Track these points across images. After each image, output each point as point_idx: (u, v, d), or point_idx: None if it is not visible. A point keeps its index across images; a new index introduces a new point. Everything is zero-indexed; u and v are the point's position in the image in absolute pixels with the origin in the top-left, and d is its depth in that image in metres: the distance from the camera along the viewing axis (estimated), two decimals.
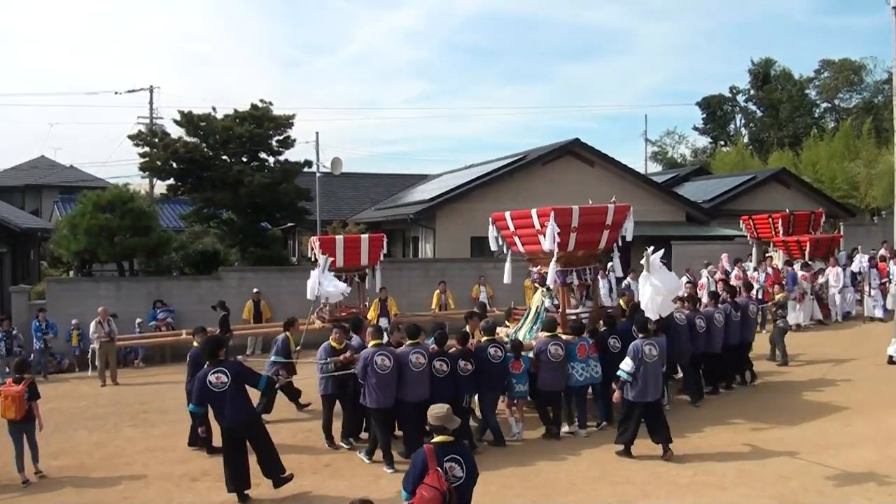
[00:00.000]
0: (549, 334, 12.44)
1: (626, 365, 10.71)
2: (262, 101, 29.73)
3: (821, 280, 22.05)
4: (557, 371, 12.14)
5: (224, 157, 29.22)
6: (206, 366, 9.84)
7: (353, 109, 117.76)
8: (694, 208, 31.45)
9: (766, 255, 24.63)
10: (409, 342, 11.33)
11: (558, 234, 13.08)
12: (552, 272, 13.24)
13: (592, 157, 29.77)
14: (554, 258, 13.24)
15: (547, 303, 14.01)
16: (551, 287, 13.76)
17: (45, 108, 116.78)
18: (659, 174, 46.24)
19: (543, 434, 12.23)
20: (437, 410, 6.41)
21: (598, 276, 17.00)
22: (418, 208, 28.21)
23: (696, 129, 69.47)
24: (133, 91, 42.86)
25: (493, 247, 15.20)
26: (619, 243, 14.42)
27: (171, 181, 30.39)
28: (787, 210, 25.23)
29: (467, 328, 12.91)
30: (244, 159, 29.39)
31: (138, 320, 21.16)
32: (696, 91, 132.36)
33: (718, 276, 22.52)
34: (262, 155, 29.94)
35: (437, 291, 21.82)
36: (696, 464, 10.36)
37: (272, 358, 13.41)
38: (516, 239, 14.56)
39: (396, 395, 10.87)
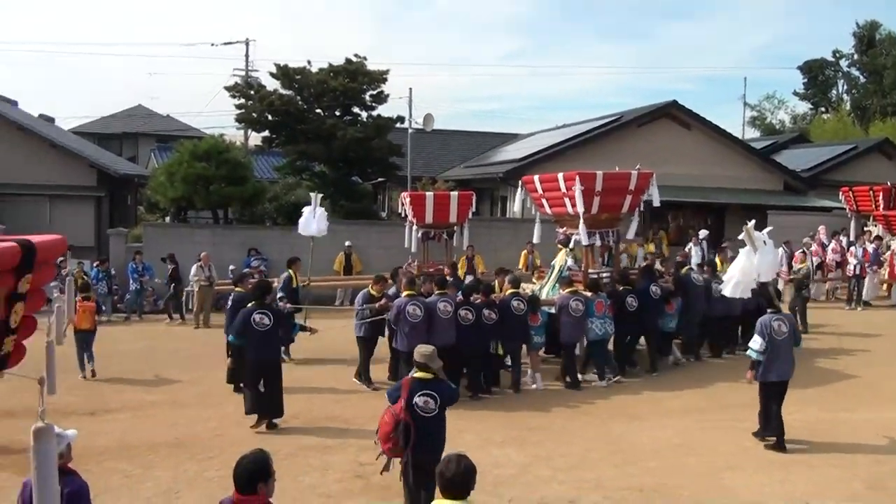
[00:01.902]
0: (570, 290, 13.32)
1: (755, 343, 9.93)
2: (356, 55, 29.84)
3: None
4: (577, 324, 13.10)
5: (318, 111, 29.51)
6: (251, 305, 10.93)
7: (446, 65, 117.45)
8: (792, 177, 30.44)
9: (865, 228, 23.86)
10: (437, 292, 12.32)
11: (583, 196, 13.71)
12: (583, 233, 13.94)
13: (689, 120, 28.99)
14: (580, 219, 13.86)
15: (570, 262, 14.93)
16: (574, 247, 14.78)
17: (143, 59, 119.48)
18: (756, 140, 44.87)
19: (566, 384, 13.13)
20: (423, 349, 7.23)
21: (692, 243, 17.19)
22: (508, 167, 27.99)
23: (796, 94, 66.95)
24: (229, 43, 43.62)
25: (517, 208, 15.77)
26: (642, 208, 15.26)
27: (266, 133, 30.87)
28: (889, 183, 24.33)
29: (496, 282, 14.08)
30: (337, 113, 29.63)
31: (232, 267, 21.64)
32: (797, 54, 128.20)
33: (815, 248, 21.95)
34: (356, 109, 30.11)
35: (525, 252, 21.73)
36: (788, 439, 10.10)
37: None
38: (544, 201, 15.33)
39: (426, 341, 11.04)
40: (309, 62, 29.70)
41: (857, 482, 8.75)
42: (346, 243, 22.12)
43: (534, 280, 16.05)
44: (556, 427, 10.73)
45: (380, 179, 34.18)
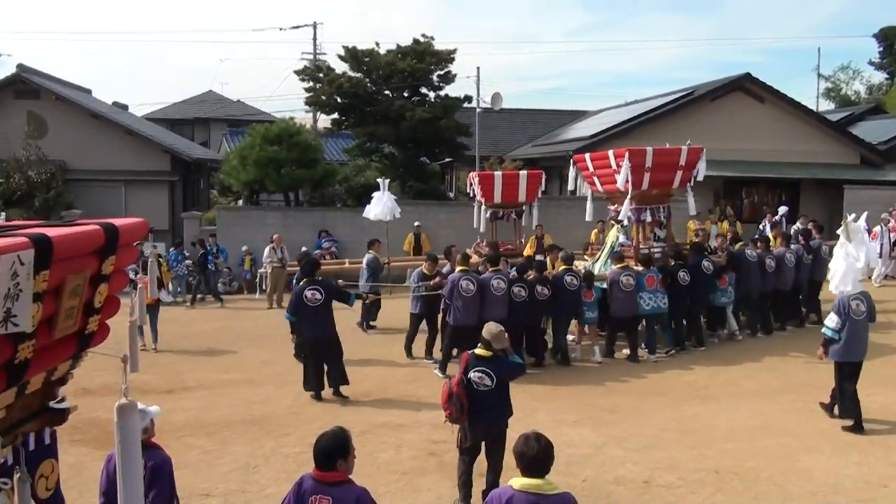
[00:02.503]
0: (621, 265, 13.66)
1: (831, 321, 9.82)
2: (423, 35, 29.84)
3: None
4: (629, 299, 13.35)
5: (386, 92, 29.59)
6: (302, 283, 11.40)
7: (513, 43, 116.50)
8: (869, 150, 29.44)
9: None
10: (491, 269, 12.70)
11: (632, 173, 13.86)
12: (625, 209, 14.16)
13: (763, 93, 28.24)
14: (628, 196, 14.10)
15: (622, 238, 15.17)
16: (626, 223, 14.87)
17: (213, 45, 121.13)
18: (831, 112, 43.52)
19: (628, 357, 13.52)
20: (492, 327, 7.49)
21: (766, 220, 17.09)
22: (577, 145, 27.64)
23: (871, 63, 64.69)
24: (297, 27, 44.00)
25: (571, 186, 16.34)
26: (692, 183, 15.19)
27: (335, 115, 31.07)
28: None
29: (548, 259, 14.64)
30: (406, 94, 29.67)
31: (303, 248, 21.93)
32: (873, 21, 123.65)
33: (892, 224, 21.31)
34: (423, 90, 30.12)
35: (595, 230, 21.56)
36: (865, 422, 9.91)
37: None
38: (595, 179, 15.46)
39: (479, 315, 11.91)
40: (377, 44, 29.82)
41: None
42: (416, 223, 22.20)
43: (585, 257, 16.33)
44: (628, 407, 10.67)
45: (447, 160, 34.16)
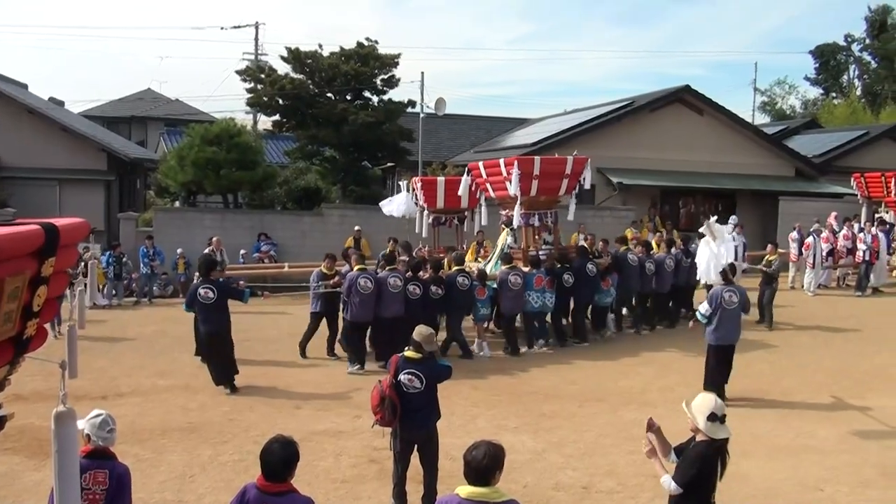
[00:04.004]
0: (509, 266, 14.55)
1: (703, 307, 11.35)
2: (367, 39, 29.80)
3: None
4: (517, 298, 14.36)
5: (329, 95, 29.45)
6: (198, 281, 12.19)
7: (457, 50, 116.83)
8: (804, 163, 30.23)
9: (877, 215, 23.78)
10: (387, 268, 13.53)
11: (521, 180, 14.85)
12: (516, 214, 15.15)
13: (702, 106, 28.79)
14: (518, 202, 15.04)
15: (510, 241, 16.08)
16: (515, 227, 15.84)
17: (152, 42, 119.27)
18: (768, 125, 44.55)
19: (505, 350, 14.46)
20: (422, 330, 7.50)
21: (736, 233, 18.06)
22: (519, 152, 27.69)
23: (807, 79, 66.33)
24: (239, 27, 43.59)
25: (462, 192, 16.90)
26: (578, 190, 16.27)
27: (277, 117, 30.81)
28: None
29: (445, 260, 15.37)
30: (348, 97, 29.57)
31: (242, 251, 21.70)
32: (809, 39, 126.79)
33: (825, 235, 21.86)
34: (367, 94, 30.04)
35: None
36: (798, 426, 10.19)
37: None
38: (488, 185, 16.37)
39: (375, 312, 13.01)
40: (320, 46, 29.68)
41: (869, 468, 8.77)
42: (356, 228, 22.05)
43: (478, 259, 17.20)
44: (567, 413, 10.74)
45: (390, 164, 34.08)
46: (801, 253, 21.49)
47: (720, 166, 28.19)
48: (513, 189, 15.07)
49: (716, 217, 13.19)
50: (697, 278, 13.70)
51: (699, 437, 5.63)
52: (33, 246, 3.61)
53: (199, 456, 9.00)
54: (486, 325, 15.34)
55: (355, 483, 8.24)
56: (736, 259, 18.63)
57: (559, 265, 15.03)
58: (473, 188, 17.01)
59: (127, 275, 20.91)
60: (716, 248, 12.31)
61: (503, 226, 16.58)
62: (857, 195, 25.26)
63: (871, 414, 10.70)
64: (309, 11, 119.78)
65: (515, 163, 15.10)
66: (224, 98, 75.82)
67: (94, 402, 10.82)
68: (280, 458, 4.63)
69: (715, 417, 5.57)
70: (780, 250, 18.30)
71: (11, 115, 27.79)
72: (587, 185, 16.26)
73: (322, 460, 8.81)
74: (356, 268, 13.23)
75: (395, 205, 18.62)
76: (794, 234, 21.87)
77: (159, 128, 45.95)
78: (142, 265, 20.69)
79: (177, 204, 30.04)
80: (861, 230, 22.04)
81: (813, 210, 24.83)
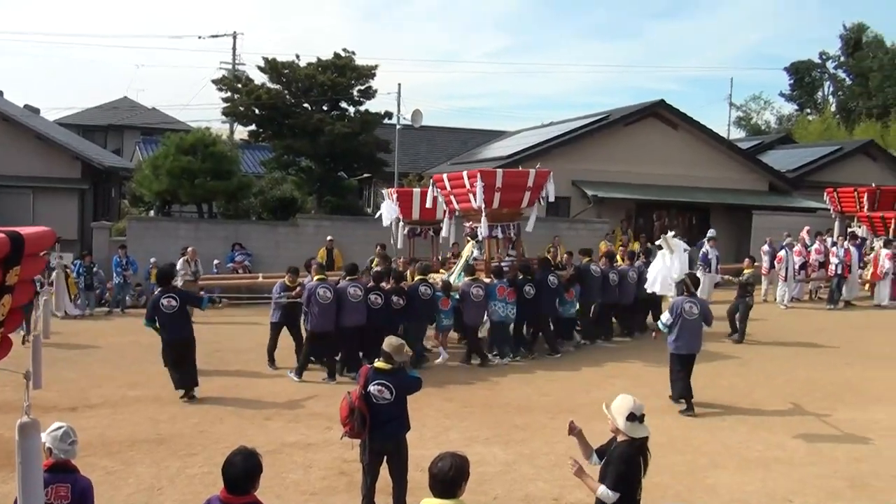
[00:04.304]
0: (471, 277, 14.83)
1: (664, 317, 11.67)
2: (344, 50, 29.87)
3: None
4: (479, 308, 14.55)
5: (305, 105, 29.47)
6: (158, 291, 12.25)
7: (433, 62, 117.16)
8: (777, 178, 30.55)
9: (849, 229, 24.03)
10: (348, 278, 13.56)
11: (484, 192, 15.02)
12: (483, 226, 15.33)
13: (676, 120, 29.04)
14: (483, 214, 15.23)
15: (476, 253, 16.26)
16: (479, 239, 16.04)
17: (130, 51, 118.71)
18: (742, 140, 45.00)
19: (466, 361, 14.51)
20: (392, 340, 7.49)
21: (710, 246, 19.68)
22: (495, 164, 27.85)
23: (782, 95, 67.25)
24: (217, 36, 43.48)
25: (429, 205, 17.16)
26: (542, 202, 16.51)
27: (253, 127, 30.77)
28: (874, 184, 24.49)
29: (408, 272, 15.81)
30: (325, 108, 29.59)
31: (216, 261, 21.59)
32: (784, 55, 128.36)
33: (797, 248, 22.06)
34: (343, 104, 30.07)
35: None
36: (767, 438, 10.24)
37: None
38: (452, 198, 16.51)
39: (337, 321, 13.16)
40: (297, 56, 29.70)
41: (838, 480, 8.82)
42: (328, 238, 22.02)
43: (441, 270, 17.28)
44: (539, 425, 10.74)
45: (366, 175, 34.11)
46: (772, 266, 21.67)
47: (694, 180, 28.41)
48: (476, 201, 15.26)
49: (674, 233, 13.36)
50: (646, 287, 13.88)
51: (620, 438, 5.74)
52: None
53: (168, 468, 8.92)
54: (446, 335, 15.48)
55: (325, 495, 8.20)
56: (709, 272, 18.99)
57: (521, 276, 15.12)
58: (439, 200, 17.11)
59: (99, 284, 20.74)
60: (669, 262, 12.58)
61: (468, 238, 16.78)
62: (829, 210, 25.53)
63: (841, 426, 10.77)
64: (288, 23, 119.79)
65: (479, 175, 15.25)
66: (202, 107, 75.90)
67: (63, 413, 10.74)
68: (242, 470, 4.59)
69: (634, 417, 5.69)
70: (756, 264, 18.42)
71: None
72: (551, 198, 16.39)
73: (292, 472, 8.77)
74: (315, 278, 13.42)
75: (384, 213, 18.60)
76: (766, 248, 22.06)
77: (136, 136, 45.75)
78: (115, 275, 20.51)
79: (151, 213, 29.89)
80: (834, 244, 22.26)
81: (786, 224, 25.03)
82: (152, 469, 8.91)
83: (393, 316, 13.83)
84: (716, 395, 12.16)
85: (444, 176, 16.86)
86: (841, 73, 64.45)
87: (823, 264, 22.02)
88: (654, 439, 9.96)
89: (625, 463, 5.59)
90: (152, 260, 20.95)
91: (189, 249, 19.57)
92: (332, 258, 21.83)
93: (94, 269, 20.41)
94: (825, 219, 25.94)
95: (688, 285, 11.96)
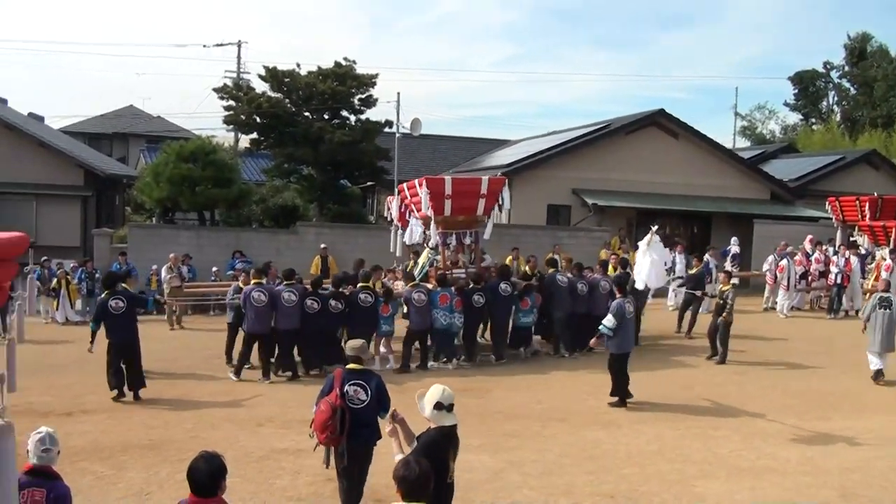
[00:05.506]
0: (412, 284, 15.11)
1: (609, 321, 11.91)
2: (345, 59, 30.00)
3: None
4: (422, 314, 14.64)
5: (306, 114, 29.58)
6: (105, 294, 12.63)
7: (438, 71, 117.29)
8: (779, 187, 30.44)
9: (851, 239, 23.96)
10: (285, 283, 14.20)
11: (431, 199, 15.13)
12: (432, 233, 15.70)
13: (677, 129, 28.99)
14: (432, 221, 15.46)
15: (434, 259, 16.26)
16: (430, 245, 16.24)
17: (135, 59, 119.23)
18: (746, 150, 44.94)
19: (398, 369, 14.39)
20: (354, 343, 7.64)
21: (676, 251, 18.32)
22: (495, 172, 27.88)
23: (787, 104, 67.10)
24: (221, 45, 43.48)
25: (394, 214, 17.77)
26: (499, 210, 16.42)
27: (254, 135, 30.88)
28: (876, 194, 24.42)
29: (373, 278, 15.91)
30: (326, 116, 29.71)
31: (215, 269, 21.62)
32: (789, 65, 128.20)
33: (798, 258, 22.01)
34: (344, 113, 30.17)
35: (510, 257, 21.71)
36: (760, 447, 10.19)
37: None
38: (413, 206, 16.59)
39: (273, 324, 13.74)
40: (298, 65, 29.83)
41: (829, 490, 8.77)
42: (322, 246, 21.93)
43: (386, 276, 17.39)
44: (530, 433, 10.72)
45: (369, 183, 34.18)
46: (776, 277, 21.66)
47: (696, 189, 28.37)
48: (423, 208, 15.46)
49: (656, 227, 14.14)
50: (637, 286, 13.96)
51: (431, 425, 5.94)
52: None
53: (158, 473, 8.93)
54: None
55: (311, 501, 8.20)
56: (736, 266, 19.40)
57: (471, 285, 15.20)
58: (403, 209, 17.36)
59: (100, 290, 20.80)
60: (655, 256, 13.24)
61: (425, 245, 16.80)
62: (831, 219, 25.45)
63: (835, 435, 10.72)
64: (292, 31, 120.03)
65: (424, 182, 15.42)
66: (206, 116, 75.95)
67: (59, 418, 10.83)
68: (206, 472, 4.60)
69: (441, 406, 5.90)
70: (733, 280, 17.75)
71: None
72: (507, 206, 16.46)
73: (279, 478, 8.76)
74: (253, 282, 14.07)
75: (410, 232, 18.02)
76: (771, 257, 22.08)
77: (141, 144, 45.93)
78: None
79: (153, 220, 29.99)
80: (835, 253, 22.19)
81: (788, 233, 24.96)
82: (143, 474, 8.93)
83: (331, 320, 14.17)
84: (710, 404, 12.15)
85: (405, 185, 17.12)
86: (845, 83, 64.34)
87: (824, 273, 21.96)
88: (645, 448, 10.06)
89: (428, 447, 5.76)
90: (154, 267, 21.01)
91: (171, 256, 19.84)
92: (327, 265, 21.79)
93: (96, 276, 20.45)
94: (827, 228, 25.84)
95: (623, 286, 12.59)
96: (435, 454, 5.53)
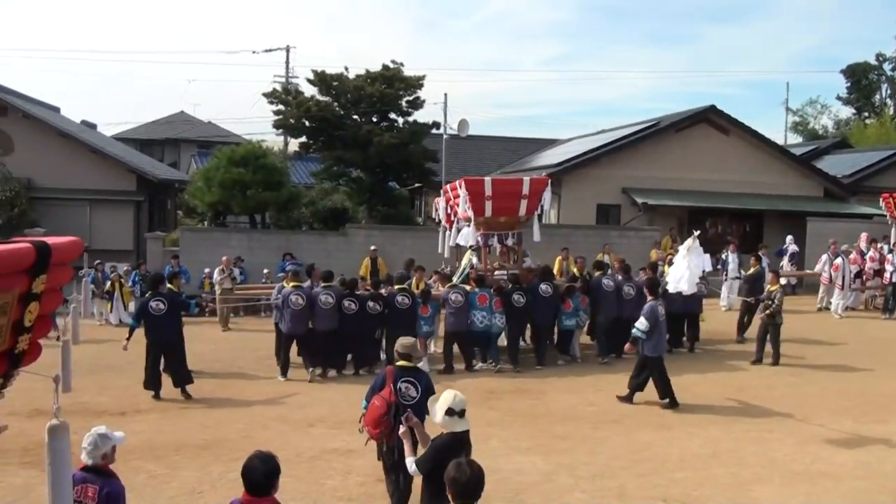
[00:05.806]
0: (450, 284, 15.11)
1: (642, 324, 11.84)
2: (393, 61, 30.09)
3: None
4: (458, 315, 14.54)
5: (355, 117, 29.73)
6: (147, 295, 13.08)
7: (486, 71, 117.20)
8: (832, 183, 29.85)
9: None
10: (322, 285, 14.35)
11: (471, 201, 15.04)
12: (472, 234, 15.48)
13: (728, 126, 28.60)
14: (472, 222, 15.35)
15: (474, 261, 16.17)
16: (472, 246, 16.14)
17: (186, 66, 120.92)
18: (798, 146, 44.18)
19: (442, 370, 14.28)
20: (405, 341, 7.56)
21: (729, 251, 18.16)
22: (544, 172, 27.78)
23: (839, 98, 65.71)
24: (270, 51, 44.09)
25: (441, 214, 17.55)
26: (541, 211, 16.25)
27: (303, 139, 31.13)
28: None
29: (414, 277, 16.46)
30: (374, 119, 29.82)
31: (265, 270, 21.84)
32: (841, 58, 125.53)
33: (853, 256, 21.57)
34: (392, 115, 30.27)
35: (559, 258, 21.60)
36: (815, 451, 10.00)
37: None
38: (457, 207, 16.39)
39: (312, 326, 14.01)
40: (346, 68, 29.98)
41: (885, 495, 8.60)
42: (372, 248, 21.99)
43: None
44: (581, 435, 10.66)
45: (417, 185, 34.26)
46: (831, 276, 21.26)
47: (747, 186, 27.95)
48: (461, 209, 15.49)
49: (698, 233, 13.95)
50: (668, 287, 13.66)
51: (444, 431, 6.00)
52: (23, 264, 3.69)
53: (211, 472, 9.06)
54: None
55: (362, 502, 8.24)
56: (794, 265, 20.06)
57: (511, 286, 15.02)
58: (448, 210, 17.22)
59: None
60: (694, 261, 13.03)
61: (468, 246, 16.65)
62: (885, 215, 24.92)
63: (892, 440, 10.47)
64: (340, 35, 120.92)
65: (462, 184, 15.37)
66: (257, 120, 76.84)
67: (113, 418, 11.02)
68: (262, 472, 4.67)
69: (453, 412, 5.97)
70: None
71: (43, 137, 28.45)
72: (546, 206, 16.34)
73: (330, 478, 8.83)
74: (290, 285, 14.17)
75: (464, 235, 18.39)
76: (825, 256, 21.69)
77: (192, 150, 46.59)
78: None
79: (205, 224, 30.41)
80: (890, 251, 21.74)
81: (842, 231, 24.48)
82: (196, 473, 9.06)
83: (369, 321, 14.22)
84: (765, 408, 11.95)
85: (448, 186, 17.10)
86: None
87: (879, 272, 21.51)
88: (698, 451, 9.95)
89: (438, 451, 5.84)
90: (206, 270, 21.30)
91: (223, 258, 19.99)
92: (377, 267, 21.89)
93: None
94: (882, 225, 25.32)
95: (655, 289, 12.50)
96: (446, 458, 5.52)
